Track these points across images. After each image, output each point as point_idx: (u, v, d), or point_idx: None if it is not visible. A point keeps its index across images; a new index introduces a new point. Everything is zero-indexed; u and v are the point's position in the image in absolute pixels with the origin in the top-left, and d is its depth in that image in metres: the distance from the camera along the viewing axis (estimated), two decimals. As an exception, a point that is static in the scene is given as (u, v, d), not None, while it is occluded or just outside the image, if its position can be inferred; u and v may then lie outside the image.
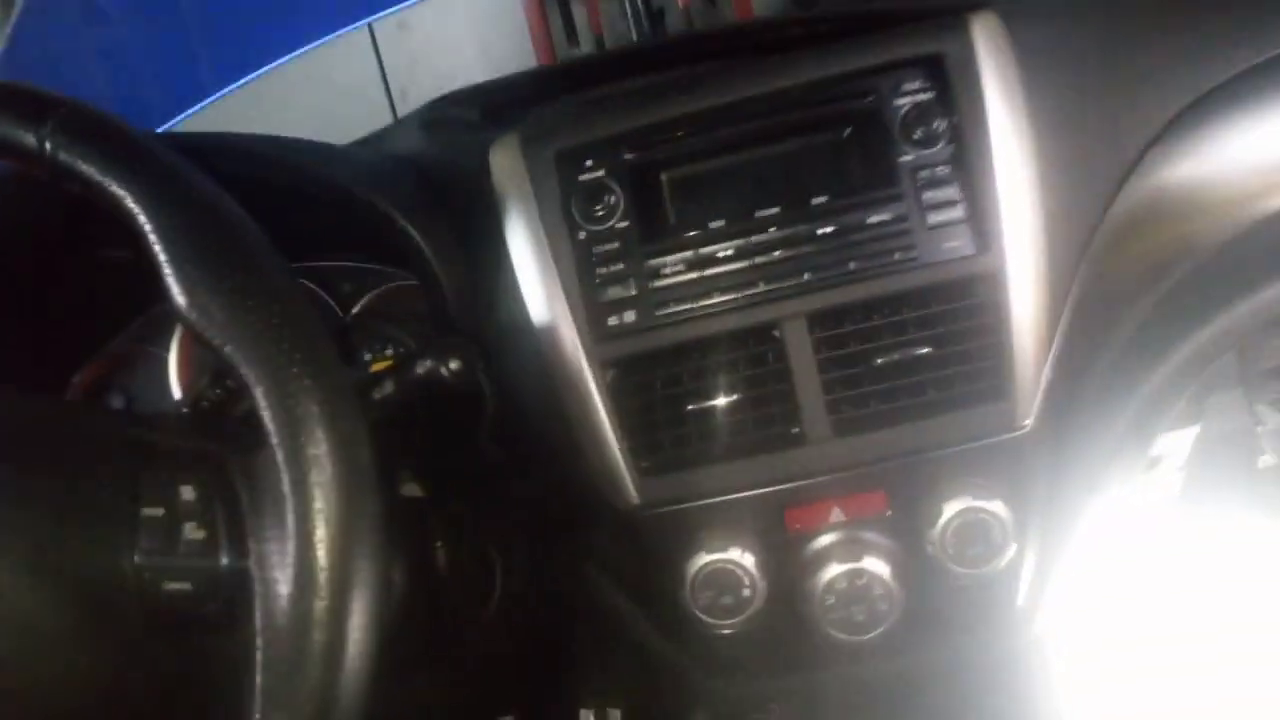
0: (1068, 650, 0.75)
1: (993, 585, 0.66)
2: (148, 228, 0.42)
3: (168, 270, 0.42)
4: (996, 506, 0.63)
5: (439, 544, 0.74)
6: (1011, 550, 0.64)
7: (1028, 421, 0.64)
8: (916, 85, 0.63)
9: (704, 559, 0.64)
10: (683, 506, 0.65)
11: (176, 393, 0.75)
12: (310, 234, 0.79)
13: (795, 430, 0.64)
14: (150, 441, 0.45)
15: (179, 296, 0.42)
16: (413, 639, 0.73)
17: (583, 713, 1.14)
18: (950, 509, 0.63)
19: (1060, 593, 0.70)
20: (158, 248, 0.42)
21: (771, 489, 0.65)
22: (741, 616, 0.64)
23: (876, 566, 0.64)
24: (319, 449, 0.40)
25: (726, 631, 0.65)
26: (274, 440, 0.41)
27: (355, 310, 0.75)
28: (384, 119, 0.93)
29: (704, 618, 0.64)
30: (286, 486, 0.40)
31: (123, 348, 0.79)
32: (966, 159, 0.62)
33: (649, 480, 0.65)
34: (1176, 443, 0.81)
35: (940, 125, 0.63)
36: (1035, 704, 0.74)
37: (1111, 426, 0.69)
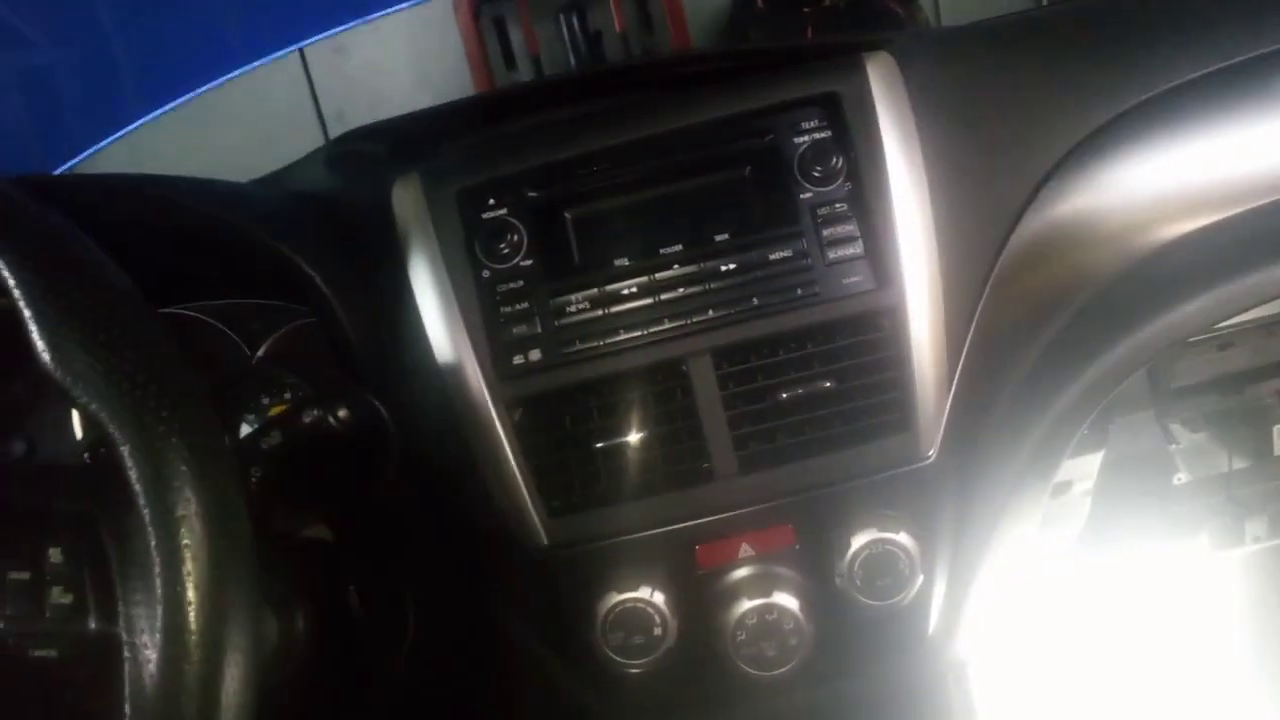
0: (984, 676, 0.76)
1: (903, 616, 0.67)
2: (11, 283, 0.41)
3: (32, 326, 0.41)
4: (903, 538, 0.63)
5: (351, 587, 0.73)
6: (919, 581, 0.64)
7: (931, 452, 0.65)
8: (813, 124, 0.64)
9: (615, 598, 0.63)
10: (592, 546, 0.65)
11: (79, 433, 0.73)
12: (214, 274, 0.78)
13: (704, 466, 0.64)
14: (17, 502, 0.43)
15: (43, 353, 0.41)
16: (325, 683, 0.71)
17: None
18: (857, 541, 0.63)
19: (972, 620, 0.70)
20: (22, 303, 0.41)
21: (681, 526, 0.65)
22: (653, 655, 0.64)
23: (786, 601, 0.64)
24: (187, 509, 0.39)
25: (638, 671, 0.64)
26: (140, 501, 0.39)
27: (261, 351, 0.73)
28: (317, 143, 0.92)
29: (615, 658, 0.64)
30: (154, 549, 0.39)
31: (23, 393, 0.77)
32: (864, 196, 0.63)
33: (558, 520, 0.64)
34: (1083, 467, 0.82)
35: (838, 162, 0.63)
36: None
37: (1016, 454, 0.70)
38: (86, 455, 0.61)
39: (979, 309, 0.67)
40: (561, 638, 0.67)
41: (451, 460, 0.67)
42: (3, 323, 0.48)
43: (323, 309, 0.69)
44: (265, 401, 0.57)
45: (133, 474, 0.40)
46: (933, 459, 0.65)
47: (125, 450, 0.40)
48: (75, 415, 0.71)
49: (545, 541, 0.64)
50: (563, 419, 0.64)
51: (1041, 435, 0.71)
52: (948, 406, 0.66)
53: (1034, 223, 0.68)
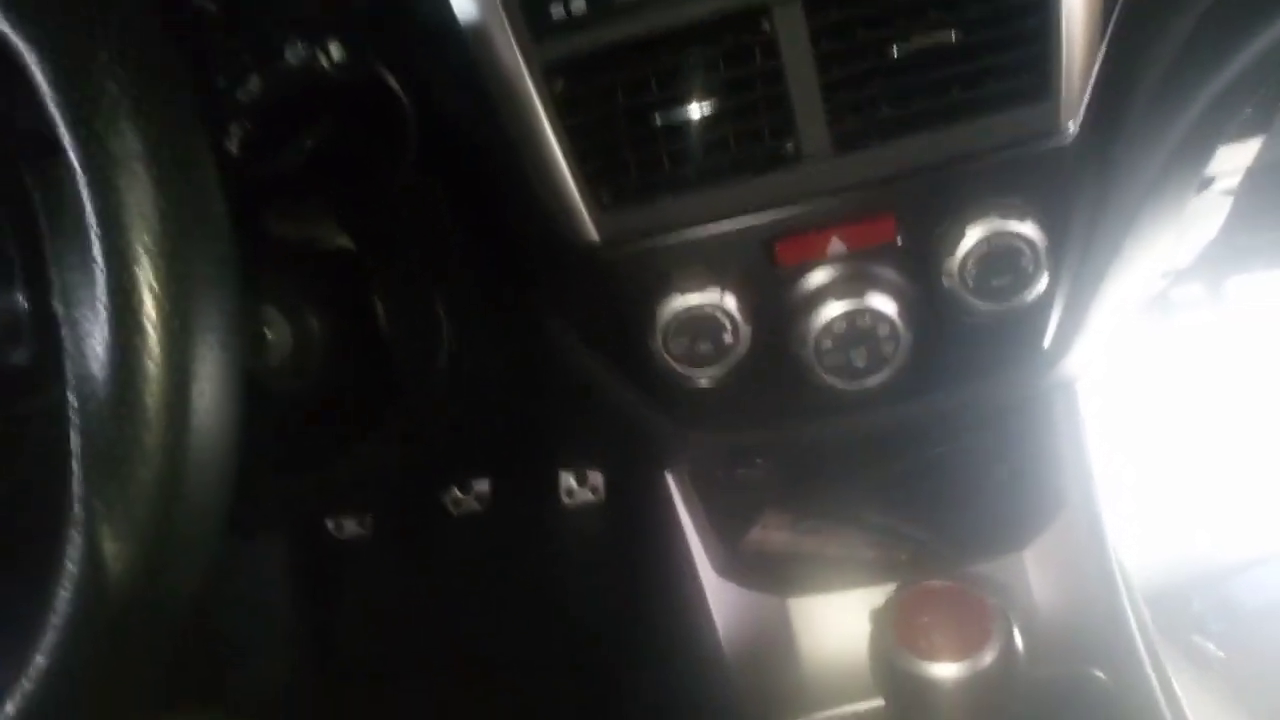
0: (1093, 398, 0.67)
1: (1018, 323, 0.57)
2: None
3: None
4: (1029, 229, 0.53)
5: (375, 297, 0.65)
6: (1043, 281, 0.54)
7: (1072, 126, 0.53)
8: None
9: (678, 301, 0.54)
10: (652, 242, 0.55)
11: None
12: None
13: (789, 145, 0.52)
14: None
15: None
16: (349, 403, 0.65)
17: (562, 475, 1.10)
18: (974, 233, 0.52)
19: (1093, 332, 0.61)
20: None
21: (758, 217, 0.54)
22: (722, 365, 0.55)
23: (882, 303, 0.54)
24: (123, 142, 0.29)
25: (705, 383, 0.56)
26: (62, 132, 0.29)
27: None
28: None
29: (679, 368, 0.56)
30: (85, 195, 0.29)
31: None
32: None
33: (611, 212, 0.54)
34: (1233, 158, 0.69)
35: None
36: (1055, 456, 0.66)
37: (1166, 133, 0.58)
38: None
39: (1142, -60, 0.53)
40: (618, 347, 0.59)
41: (482, 144, 0.56)
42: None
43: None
44: (245, 59, 0.45)
45: (48, 98, 0.29)
46: (1072, 134, 0.53)
47: (33, 61, 0.29)
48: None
49: (596, 238, 0.55)
50: (614, 88, 0.52)
51: (1200, 111, 0.57)
52: (1095, 68, 0.52)
53: None
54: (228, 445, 0.32)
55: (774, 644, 0.67)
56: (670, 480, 0.71)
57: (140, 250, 0.29)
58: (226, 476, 0.32)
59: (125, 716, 0.34)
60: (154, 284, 0.29)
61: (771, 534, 0.73)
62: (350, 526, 1.06)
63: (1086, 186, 0.55)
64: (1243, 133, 0.65)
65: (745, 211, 0.54)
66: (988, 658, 0.51)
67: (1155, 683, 0.65)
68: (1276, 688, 0.97)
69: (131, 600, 0.30)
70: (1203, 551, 1.07)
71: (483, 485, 1.03)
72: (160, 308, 0.29)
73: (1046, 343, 0.59)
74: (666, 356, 0.55)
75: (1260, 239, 0.88)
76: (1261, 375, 1.07)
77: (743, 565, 0.71)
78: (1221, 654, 1.00)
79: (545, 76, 0.51)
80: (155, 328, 0.29)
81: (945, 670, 0.52)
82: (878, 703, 0.62)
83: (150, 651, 0.32)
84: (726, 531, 0.72)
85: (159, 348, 0.29)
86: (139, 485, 0.29)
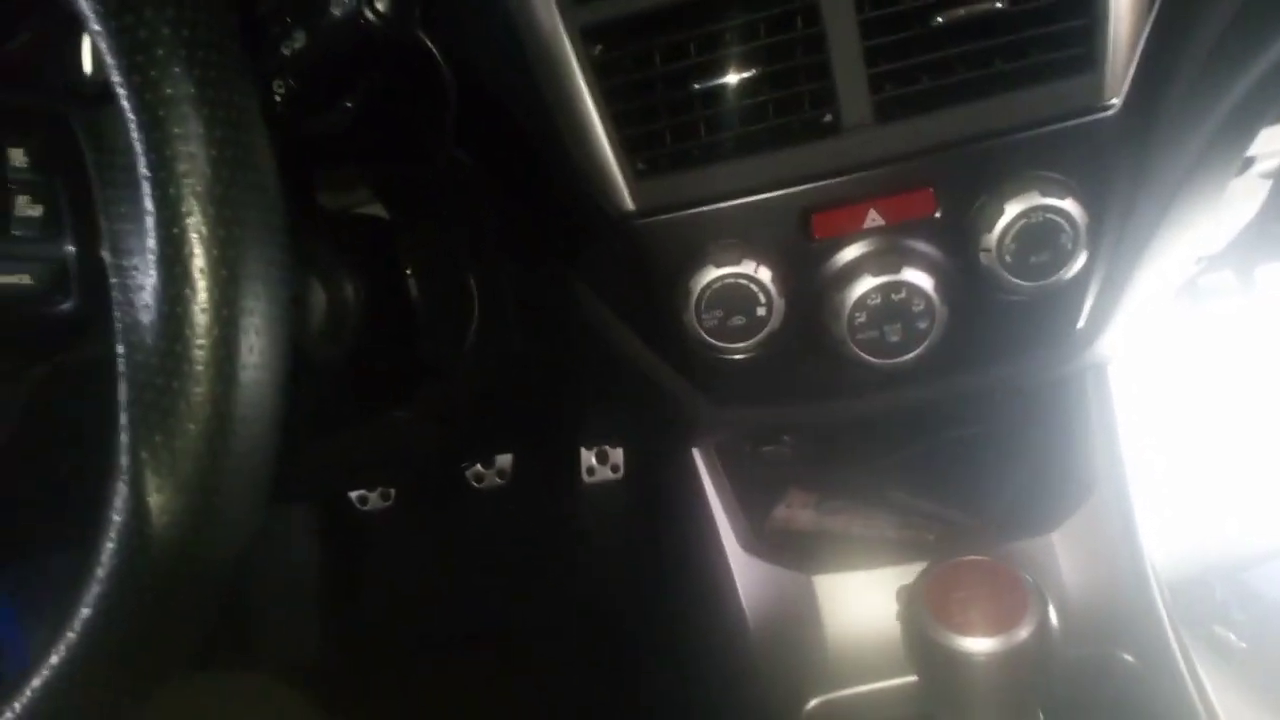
0: (1125, 380, 0.66)
1: (1054, 301, 0.57)
2: None
3: None
4: (1069, 205, 0.52)
5: (409, 271, 0.65)
6: (1081, 259, 0.53)
7: (1116, 100, 0.52)
8: None
9: (712, 273, 0.54)
10: (687, 212, 0.54)
11: (88, 67, 0.63)
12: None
13: (828, 115, 0.52)
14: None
15: None
16: (379, 374, 0.65)
17: (584, 452, 1.10)
18: (1013, 208, 0.52)
19: (1127, 314, 0.60)
20: None
21: (795, 189, 0.53)
22: (755, 339, 0.55)
23: (918, 278, 0.53)
24: (177, 88, 0.29)
25: (738, 357, 0.56)
26: (116, 79, 0.29)
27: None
28: None
29: (712, 341, 0.55)
30: (137, 142, 0.29)
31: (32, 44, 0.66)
32: None
33: (647, 181, 0.53)
34: (1276, 141, 0.68)
35: None
36: (1086, 438, 0.66)
37: (1210, 111, 0.57)
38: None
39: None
40: (650, 321, 0.59)
41: (517, 110, 0.56)
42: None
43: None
44: (290, 13, 0.45)
45: (102, 44, 0.29)
46: (1115, 109, 0.52)
47: (86, 6, 0.29)
48: (85, 46, 0.60)
49: (632, 207, 0.54)
50: (652, 53, 0.51)
51: (1244, 90, 0.57)
52: (1142, 42, 0.52)
53: None
54: (275, 401, 0.31)
55: (802, 621, 0.67)
56: (697, 456, 0.70)
57: (190, 197, 0.29)
58: (273, 433, 0.32)
59: (166, 673, 0.34)
60: (204, 231, 0.29)
61: (797, 512, 0.73)
62: (373, 499, 1.06)
63: (1127, 163, 0.55)
64: (1284, 114, 0.64)
65: (782, 183, 0.53)
66: (1023, 633, 0.51)
67: (1184, 668, 0.64)
68: (1299, 679, 0.96)
69: (175, 553, 0.30)
70: (1227, 541, 1.07)
71: (505, 461, 1.03)
72: (210, 256, 0.29)
73: (1081, 323, 0.58)
74: (699, 330, 0.55)
75: (1294, 226, 0.87)
76: (1289, 365, 1.06)
77: (769, 542, 0.71)
78: (1244, 644, 1.00)
79: (583, 39, 0.51)
80: (204, 276, 0.29)
81: (980, 645, 0.51)
82: (909, 679, 0.62)
83: (193, 609, 0.32)
84: (752, 508, 0.72)
85: (208, 297, 0.29)
86: (185, 437, 0.29)
